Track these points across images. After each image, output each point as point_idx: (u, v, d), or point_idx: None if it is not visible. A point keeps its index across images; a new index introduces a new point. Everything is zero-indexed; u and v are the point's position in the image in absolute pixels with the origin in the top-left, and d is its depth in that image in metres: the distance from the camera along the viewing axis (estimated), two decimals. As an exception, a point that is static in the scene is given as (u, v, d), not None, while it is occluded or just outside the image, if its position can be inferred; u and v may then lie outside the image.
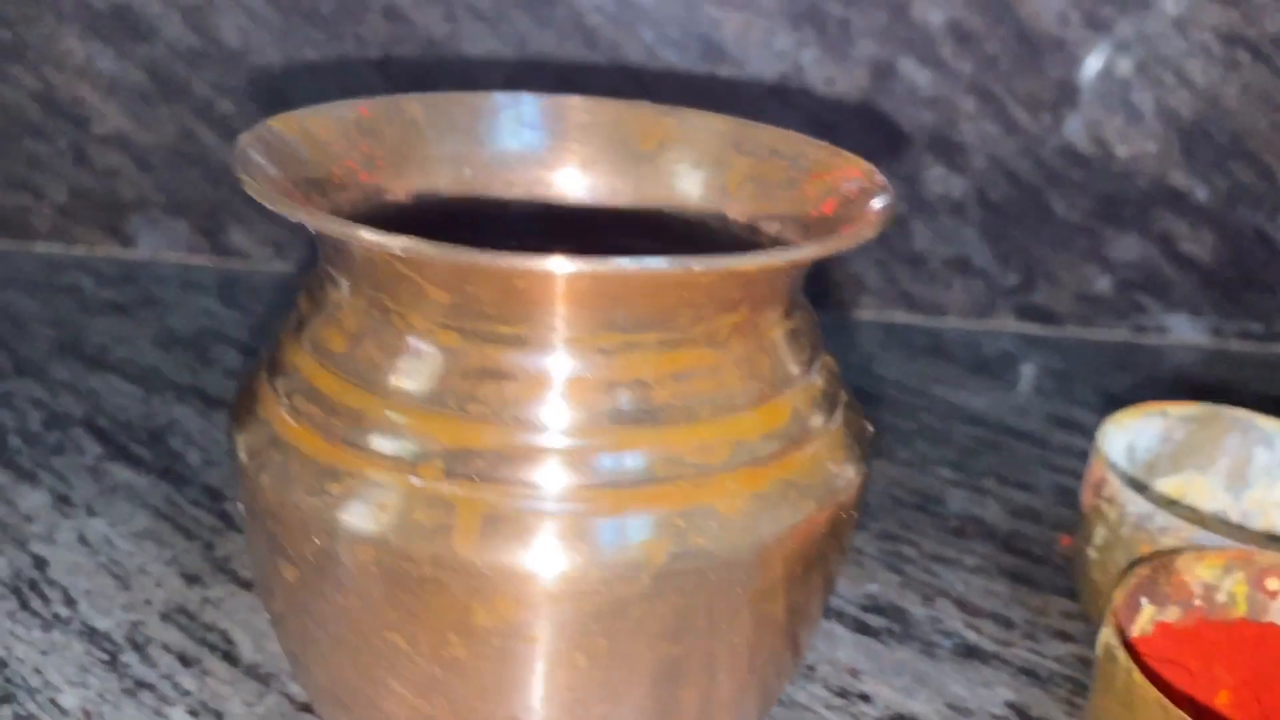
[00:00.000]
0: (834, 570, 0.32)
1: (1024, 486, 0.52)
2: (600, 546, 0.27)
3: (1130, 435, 0.45)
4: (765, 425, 0.29)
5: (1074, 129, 0.64)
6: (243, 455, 0.30)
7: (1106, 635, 0.33)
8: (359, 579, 0.27)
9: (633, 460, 0.27)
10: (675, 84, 0.63)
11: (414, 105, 0.36)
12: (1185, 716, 0.29)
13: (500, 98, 0.37)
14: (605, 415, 0.27)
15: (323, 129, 0.33)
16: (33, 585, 0.41)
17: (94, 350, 0.57)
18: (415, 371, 0.27)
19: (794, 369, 0.30)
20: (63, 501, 0.46)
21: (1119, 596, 0.34)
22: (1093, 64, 0.63)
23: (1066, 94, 0.63)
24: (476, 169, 0.37)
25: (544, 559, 0.26)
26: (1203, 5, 0.61)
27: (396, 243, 0.25)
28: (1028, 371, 0.64)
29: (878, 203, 0.30)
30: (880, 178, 0.32)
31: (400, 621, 0.28)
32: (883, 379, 0.61)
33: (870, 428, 0.33)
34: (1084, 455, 0.55)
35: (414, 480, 0.27)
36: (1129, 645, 0.34)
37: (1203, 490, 0.46)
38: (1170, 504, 0.45)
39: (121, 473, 0.48)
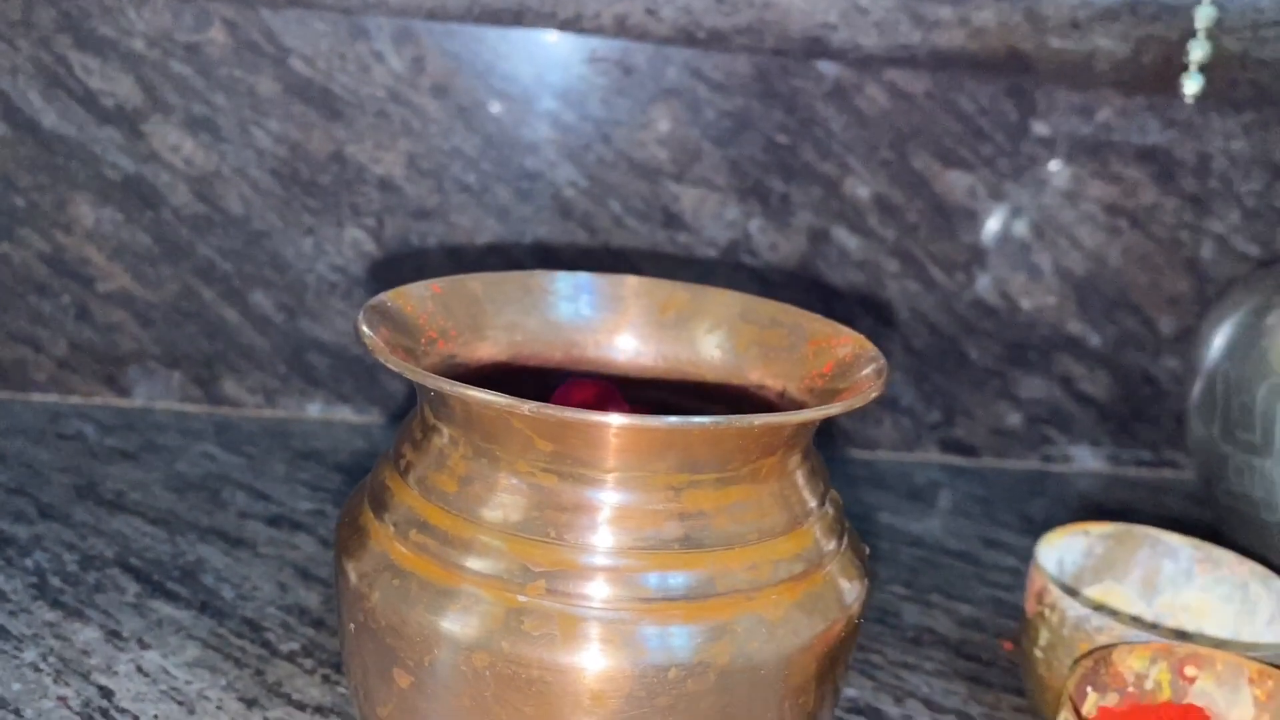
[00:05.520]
0: (843, 673, 0.39)
1: (965, 600, 0.60)
2: (676, 649, 0.33)
3: (1059, 552, 0.52)
4: (796, 548, 0.36)
5: (984, 285, 0.74)
6: (355, 580, 0.35)
7: (1065, 717, 0.40)
8: (473, 682, 0.33)
9: (699, 577, 0.33)
10: (639, 249, 0.71)
11: (475, 283, 0.43)
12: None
13: (543, 276, 0.44)
14: (676, 541, 0.33)
15: (409, 305, 0.40)
16: (105, 713, 0.45)
17: (111, 495, 0.62)
18: (520, 507, 0.34)
19: (812, 502, 0.37)
20: (114, 636, 0.50)
21: (1071, 685, 0.41)
22: (998, 230, 0.73)
23: (977, 256, 0.73)
24: (526, 335, 0.44)
25: (633, 661, 0.32)
26: (1088, 181, 0.72)
27: (525, 406, 0.31)
28: (955, 498, 0.72)
29: (873, 366, 0.38)
30: (871, 345, 0.40)
31: (508, 716, 0.33)
32: (832, 508, 0.68)
33: (867, 549, 0.40)
34: (1013, 571, 0.63)
35: (521, 598, 0.33)
36: (1082, 725, 0.41)
37: (1120, 597, 0.54)
38: (1098, 608, 0.53)
39: (163, 608, 0.52)
